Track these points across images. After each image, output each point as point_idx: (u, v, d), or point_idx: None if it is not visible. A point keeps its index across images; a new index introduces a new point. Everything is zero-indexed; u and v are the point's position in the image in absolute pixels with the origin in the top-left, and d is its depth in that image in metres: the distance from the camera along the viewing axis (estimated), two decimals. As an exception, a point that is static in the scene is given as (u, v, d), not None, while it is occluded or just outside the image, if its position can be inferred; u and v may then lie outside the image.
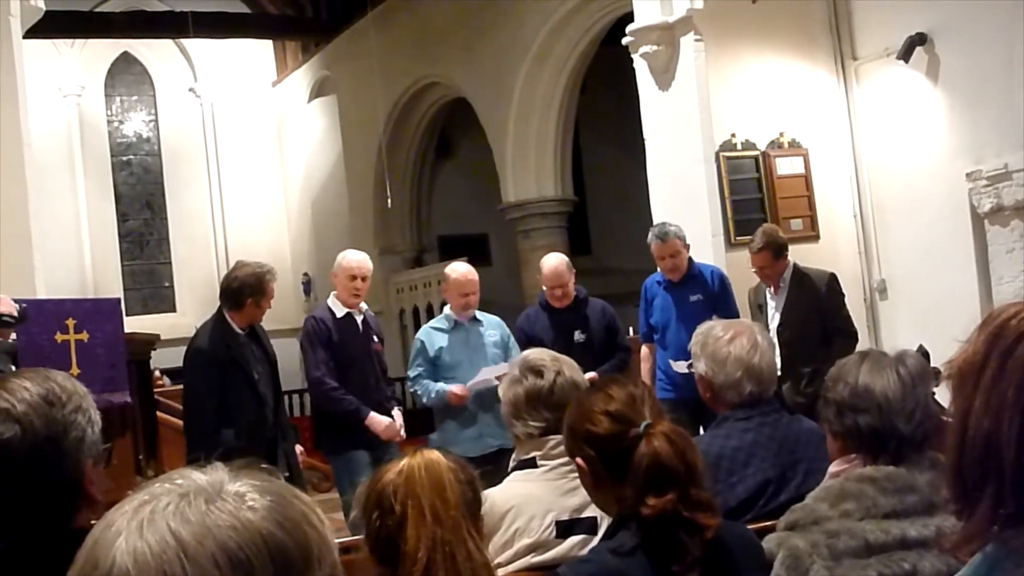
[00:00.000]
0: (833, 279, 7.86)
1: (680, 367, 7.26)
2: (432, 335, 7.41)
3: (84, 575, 1.09)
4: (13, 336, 5.92)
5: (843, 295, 7.92)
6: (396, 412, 7.18)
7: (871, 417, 2.76)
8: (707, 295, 7.73)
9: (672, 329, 7.72)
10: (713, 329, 3.68)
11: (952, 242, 8.73)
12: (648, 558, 2.44)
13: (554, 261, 7.72)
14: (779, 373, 7.42)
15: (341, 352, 6.98)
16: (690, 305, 7.65)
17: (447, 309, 7.53)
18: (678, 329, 7.57)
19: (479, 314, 7.47)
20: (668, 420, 2.66)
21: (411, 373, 7.39)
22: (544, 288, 7.70)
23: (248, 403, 6.48)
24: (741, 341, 3.58)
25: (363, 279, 7.11)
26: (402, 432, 6.99)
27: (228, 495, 1.11)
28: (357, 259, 7.19)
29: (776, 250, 7.67)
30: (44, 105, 18.87)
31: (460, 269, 7.49)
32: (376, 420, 6.90)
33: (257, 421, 6.51)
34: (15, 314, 5.46)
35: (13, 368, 5.05)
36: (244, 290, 6.52)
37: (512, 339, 7.50)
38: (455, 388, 7.09)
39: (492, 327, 7.48)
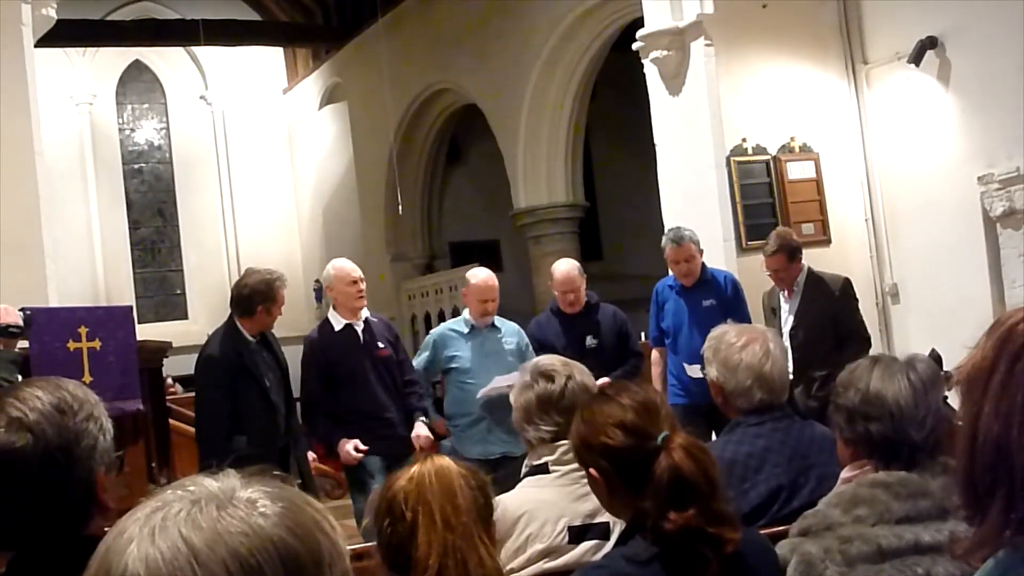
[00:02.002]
0: (847, 283, 7.85)
1: (694, 371, 7.25)
2: (447, 338, 7.39)
3: None
4: (25, 343, 5.93)
5: (857, 300, 7.91)
6: (419, 424, 7.06)
7: (882, 425, 2.75)
8: (720, 300, 7.72)
9: (684, 333, 7.72)
10: (726, 335, 3.67)
11: (964, 246, 8.71)
12: (665, 570, 2.42)
13: (565, 267, 7.72)
14: (791, 377, 7.46)
15: (340, 369, 6.90)
16: (703, 310, 7.64)
17: (465, 313, 7.50)
18: (691, 334, 7.56)
19: (498, 320, 7.45)
20: (680, 427, 2.63)
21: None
22: (556, 294, 7.70)
23: (259, 410, 6.48)
24: (753, 348, 3.56)
25: (362, 280, 7.08)
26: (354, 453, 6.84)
27: (240, 502, 1.12)
28: (348, 265, 7.13)
29: (790, 253, 7.66)
30: (56, 114, 18.91)
31: (480, 275, 7.44)
32: (344, 450, 6.84)
33: (269, 428, 6.51)
34: (20, 323, 5.47)
35: (19, 378, 5.06)
36: (255, 297, 6.52)
37: (530, 347, 7.47)
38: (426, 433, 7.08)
39: (510, 334, 7.45)
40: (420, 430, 7.00)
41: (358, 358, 6.95)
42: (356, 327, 6.99)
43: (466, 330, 7.37)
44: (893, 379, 2.79)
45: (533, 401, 3.46)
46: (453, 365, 7.31)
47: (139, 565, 1.06)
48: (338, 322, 6.99)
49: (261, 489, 1.14)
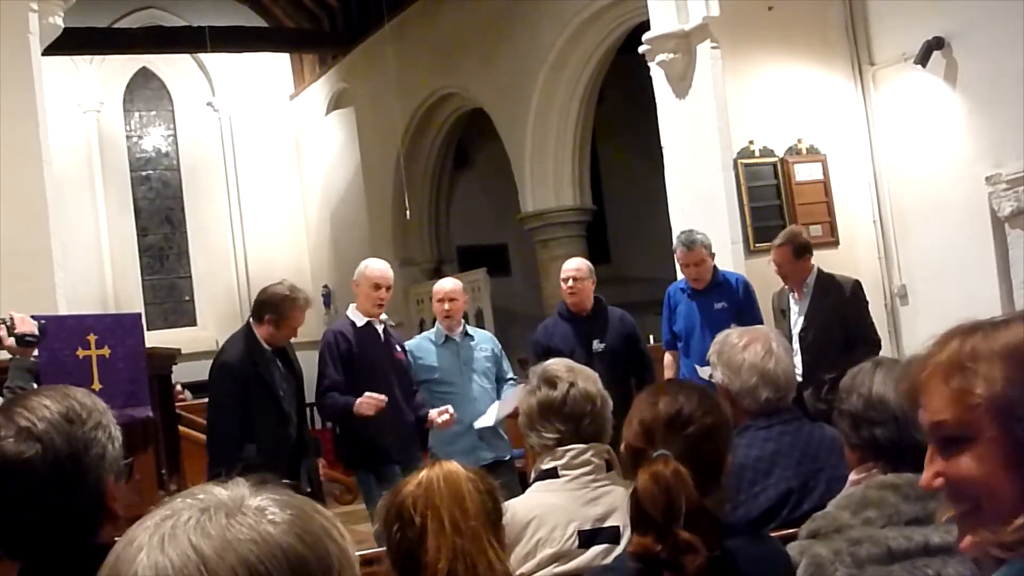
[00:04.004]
0: (857, 285, 7.84)
1: (705, 373, 7.25)
2: (421, 348, 7.42)
3: None
4: (38, 353, 5.93)
5: (867, 302, 7.90)
6: (434, 413, 7.05)
7: (887, 430, 2.74)
8: (732, 303, 7.73)
9: (697, 337, 7.71)
10: (729, 337, 3.68)
11: (973, 246, 8.69)
12: None
13: (574, 259, 7.93)
14: (800, 379, 7.46)
15: (362, 362, 6.90)
16: (715, 313, 7.65)
17: (437, 323, 7.54)
18: (703, 337, 7.55)
19: (470, 329, 7.49)
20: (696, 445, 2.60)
21: None
22: (562, 287, 7.71)
23: (271, 419, 6.45)
24: (755, 347, 3.57)
25: (387, 288, 7.07)
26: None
27: (249, 509, 1.12)
28: (380, 268, 7.14)
29: (796, 248, 7.64)
30: (63, 121, 18.92)
31: (443, 282, 7.61)
32: (362, 402, 6.68)
33: (279, 437, 6.49)
34: (36, 332, 5.48)
35: (34, 386, 5.07)
36: (266, 305, 6.51)
37: (504, 354, 7.54)
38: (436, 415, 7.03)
39: (484, 342, 7.50)
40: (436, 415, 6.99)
41: (380, 355, 6.96)
42: (377, 326, 7.01)
43: (439, 340, 7.39)
44: (895, 382, 2.78)
45: (535, 407, 3.45)
46: (431, 376, 7.32)
47: (148, 573, 1.07)
48: (359, 319, 7.00)
49: (270, 497, 1.15)
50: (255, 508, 1.12)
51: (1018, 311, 1.61)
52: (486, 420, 7.18)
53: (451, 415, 6.96)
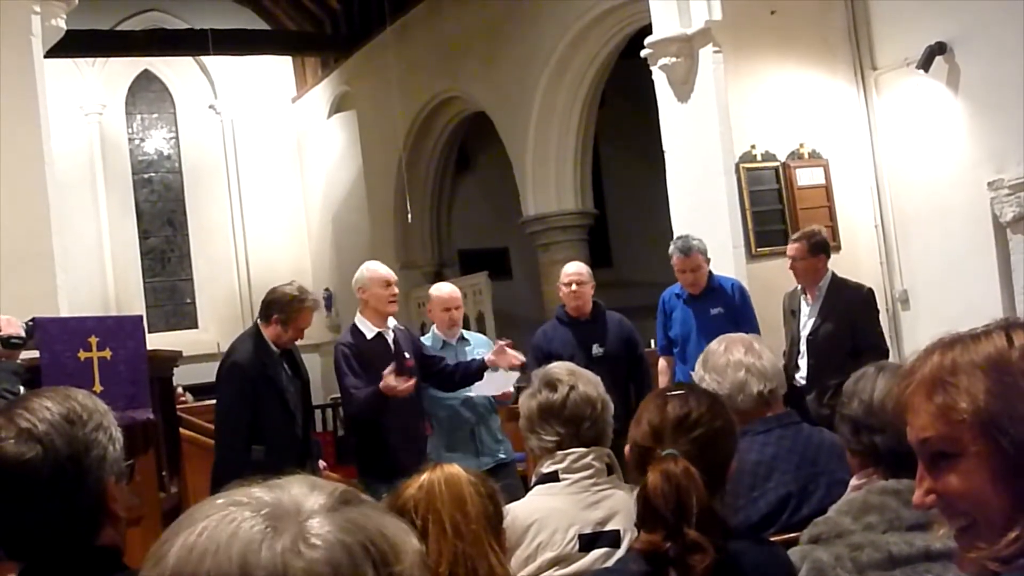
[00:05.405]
0: (870, 293, 7.83)
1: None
2: None
3: None
4: (35, 353, 5.94)
5: (878, 311, 7.89)
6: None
7: (887, 437, 2.74)
8: (728, 308, 7.71)
9: (693, 342, 7.69)
10: (709, 348, 3.75)
11: (974, 251, 8.69)
12: None
13: (574, 262, 7.97)
14: (804, 382, 7.45)
15: (372, 376, 6.66)
16: (711, 318, 7.63)
17: (433, 328, 7.49)
18: (699, 342, 7.52)
19: (466, 333, 7.44)
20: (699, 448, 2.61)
21: None
22: (562, 290, 7.67)
23: (279, 420, 6.43)
24: (737, 347, 3.64)
25: (396, 284, 7.04)
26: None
27: (307, 530, 1.09)
28: (384, 267, 7.07)
29: (812, 245, 7.62)
30: (65, 124, 18.93)
31: (443, 287, 7.56)
32: (386, 383, 6.49)
33: (287, 438, 6.46)
34: (22, 335, 5.48)
35: (22, 389, 5.06)
36: (273, 305, 6.45)
37: None
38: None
39: (480, 345, 7.43)
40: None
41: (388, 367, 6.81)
42: (387, 336, 6.88)
43: (436, 345, 7.33)
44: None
45: (535, 410, 3.45)
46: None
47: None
48: (369, 329, 6.84)
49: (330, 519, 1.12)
50: (312, 533, 1.09)
51: (998, 320, 1.60)
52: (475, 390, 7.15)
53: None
